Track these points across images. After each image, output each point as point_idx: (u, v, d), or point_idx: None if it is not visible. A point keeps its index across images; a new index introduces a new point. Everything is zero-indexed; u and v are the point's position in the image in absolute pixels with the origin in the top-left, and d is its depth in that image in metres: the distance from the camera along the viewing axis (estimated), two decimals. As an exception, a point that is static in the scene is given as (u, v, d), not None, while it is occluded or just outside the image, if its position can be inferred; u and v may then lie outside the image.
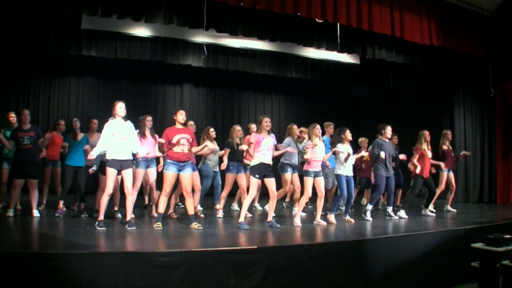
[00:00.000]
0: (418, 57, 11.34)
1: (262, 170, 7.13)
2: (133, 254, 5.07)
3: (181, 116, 7.00)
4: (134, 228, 6.59)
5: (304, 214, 8.58)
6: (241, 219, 7.16)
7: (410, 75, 13.75)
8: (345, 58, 12.57)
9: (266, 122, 7.27)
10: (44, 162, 8.28)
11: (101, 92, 12.71)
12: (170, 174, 6.85)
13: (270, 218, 7.30)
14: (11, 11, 9.28)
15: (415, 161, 8.82)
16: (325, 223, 7.60)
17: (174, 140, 6.85)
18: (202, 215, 8.26)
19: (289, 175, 8.04)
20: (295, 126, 8.23)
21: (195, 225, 6.82)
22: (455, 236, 7.10)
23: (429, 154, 8.96)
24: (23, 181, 7.44)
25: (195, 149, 7.19)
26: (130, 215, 6.75)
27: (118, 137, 6.59)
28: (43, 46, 10.22)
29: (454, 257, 6.83)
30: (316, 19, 9.39)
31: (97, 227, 6.42)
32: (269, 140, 7.26)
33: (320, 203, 7.73)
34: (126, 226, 6.58)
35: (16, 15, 9.50)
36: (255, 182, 7.12)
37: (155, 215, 7.88)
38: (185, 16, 9.11)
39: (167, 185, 6.86)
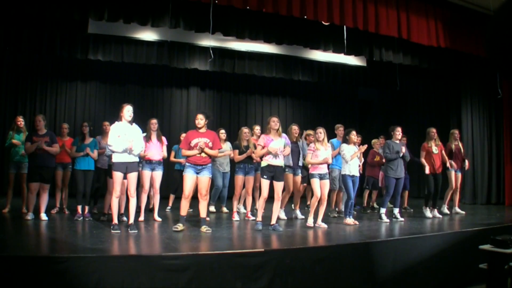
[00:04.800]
0: (425, 58, 11.33)
1: (271, 172, 7.11)
2: (140, 257, 5.04)
3: (196, 120, 7.00)
4: (136, 231, 6.58)
5: (303, 217, 8.49)
6: (259, 218, 7.19)
7: (417, 76, 13.74)
8: (351, 60, 12.57)
9: (274, 122, 7.19)
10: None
11: (108, 96, 12.77)
12: (188, 176, 6.85)
13: (273, 221, 7.23)
14: (18, 16, 9.34)
15: (423, 160, 8.92)
16: (325, 226, 7.55)
17: (192, 144, 6.85)
18: (208, 218, 8.25)
19: (289, 177, 8.29)
20: (293, 127, 8.42)
21: (204, 229, 6.78)
22: (463, 238, 7.04)
23: (435, 150, 8.95)
24: (38, 185, 7.50)
25: (212, 152, 6.95)
26: (132, 218, 6.74)
27: (124, 140, 6.59)
28: (49, 51, 10.31)
29: (462, 259, 6.78)
30: (323, 22, 9.43)
31: (111, 231, 6.45)
32: (279, 142, 7.18)
33: (322, 206, 7.71)
34: (128, 229, 6.59)
35: (23, 20, 9.58)
36: (264, 183, 7.11)
37: (158, 218, 7.93)
38: (191, 20, 9.16)
39: (186, 188, 6.86)
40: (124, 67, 12.03)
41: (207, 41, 10.44)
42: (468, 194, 12.41)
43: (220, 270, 5.11)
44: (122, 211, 7.63)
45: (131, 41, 10.85)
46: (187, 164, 6.91)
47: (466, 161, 10.00)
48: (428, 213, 8.88)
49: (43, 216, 7.44)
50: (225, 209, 9.55)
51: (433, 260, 6.56)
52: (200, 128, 6.98)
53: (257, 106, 14.43)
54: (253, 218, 8.36)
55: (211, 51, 9.97)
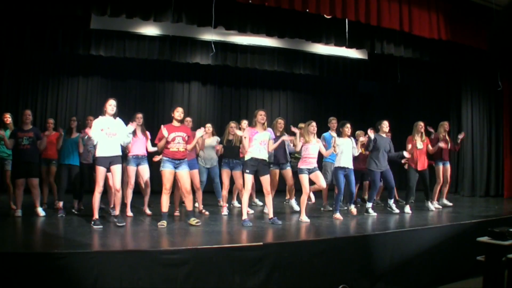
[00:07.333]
0: (427, 51, 11.29)
1: (254, 166, 7.08)
2: (138, 253, 5.09)
3: (177, 113, 7.00)
4: (124, 224, 6.66)
5: (299, 208, 8.25)
6: (244, 216, 7.14)
7: (418, 69, 13.71)
8: (353, 53, 12.53)
9: (261, 115, 7.18)
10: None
11: (110, 91, 12.65)
12: (166, 171, 6.86)
13: (271, 215, 7.28)
14: (20, 13, 9.38)
15: (406, 152, 8.69)
16: (308, 220, 7.47)
17: (169, 138, 6.86)
18: (207, 213, 8.30)
19: (275, 173, 8.33)
20: (278, 120, 8.44)
21: (193, 221, 6.83)
22: (461, 230, 7.09)
23: (420, 145, 8.84)
24: (24, 180, 7.44)
25: (189, 146, 7.15)
26: (118, 209, 6.82)
27: (107, 133, 6.67)
28: (52, 47, 10.34)
29: (459, 251, 6.84)
30: (325, 15, 9.42)
31: (93, 226, 6.49)
32: (264, 135, 7.17)
33: (304, 199, 7.60)
34: (116, 221, 6.65)
35: (25, 16, 9.62)
36: (247, 177, 7.09)
37: (148, 212, 8.00)
38: (193, 14, 9.16)
39: (166, 182, 6.86)
40: (126, 62, 12.01)
41: (209, 35, 10.41)
42: (467, 187, 12.44)
43: (218, 264, 5.17)
44: (112, 205, 7.55)
45: (133, 36, 10.86)
46: (164, 158, 6.92)
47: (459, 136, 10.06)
48: (408, 209, 8.65)
49: (40, 211, 7.42)
50: (222, 203, 9.55)
51: (431, 253, 6.63)
52: (179, 121, 7.03)
53: (258, 100, 14.36)
54: (252, 211, 8.45)
55: (213, 45, 9.95)
